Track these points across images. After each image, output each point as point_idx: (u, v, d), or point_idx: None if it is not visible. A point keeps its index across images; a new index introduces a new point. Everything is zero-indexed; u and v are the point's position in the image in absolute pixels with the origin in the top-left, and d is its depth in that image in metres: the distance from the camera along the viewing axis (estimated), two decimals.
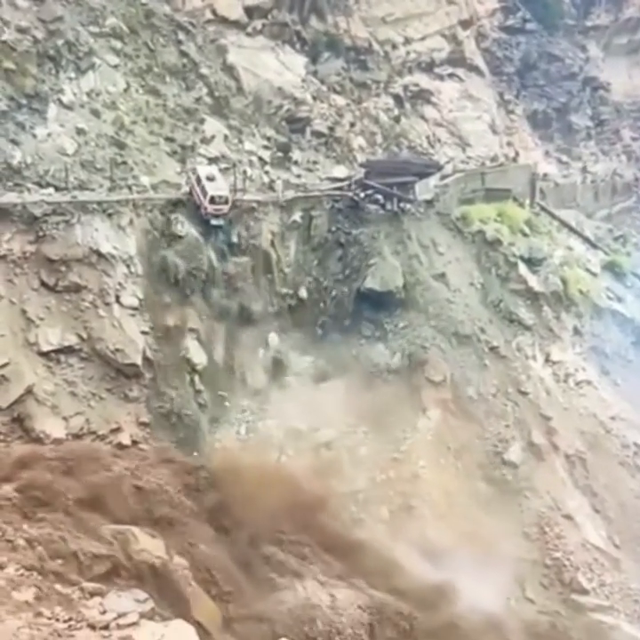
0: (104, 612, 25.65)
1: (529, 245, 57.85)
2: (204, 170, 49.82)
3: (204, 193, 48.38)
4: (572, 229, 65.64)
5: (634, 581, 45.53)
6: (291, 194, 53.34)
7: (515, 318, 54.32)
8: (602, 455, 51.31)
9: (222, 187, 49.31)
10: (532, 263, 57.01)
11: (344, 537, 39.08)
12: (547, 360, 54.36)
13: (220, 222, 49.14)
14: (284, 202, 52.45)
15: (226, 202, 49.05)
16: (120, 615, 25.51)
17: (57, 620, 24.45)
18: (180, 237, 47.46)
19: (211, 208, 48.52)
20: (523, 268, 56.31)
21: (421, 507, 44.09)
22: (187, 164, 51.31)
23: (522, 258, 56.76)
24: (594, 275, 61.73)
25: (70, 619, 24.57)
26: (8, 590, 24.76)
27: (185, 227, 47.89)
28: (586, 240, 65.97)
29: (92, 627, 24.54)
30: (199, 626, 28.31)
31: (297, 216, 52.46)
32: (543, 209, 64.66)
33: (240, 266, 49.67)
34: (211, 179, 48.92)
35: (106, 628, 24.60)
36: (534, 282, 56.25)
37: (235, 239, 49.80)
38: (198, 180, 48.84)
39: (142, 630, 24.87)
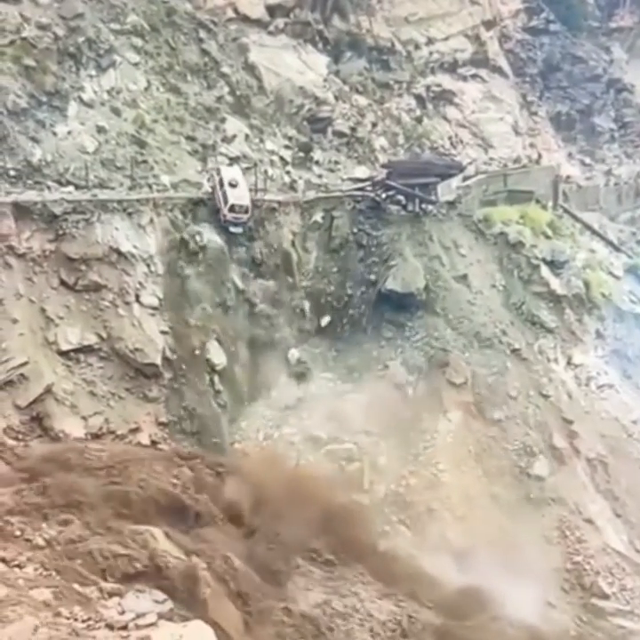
0: (123, 613, 25.54)
1: (551, 248, 57.27)
2: (228, 173, 49.41)
3: (225, 199, 48.08)
4: (594, 232, 65.10)
5: None
6: (312, 194, 53.12)
7: (537, 321, 53.83)
8: (623, 459, 50.81)
9: (244, 195, 48.87)
10: (554, 266, 56.47)
11: (365, 541, 38.76)
12: (568, 363, 53.92)
13: (239, 230, 48.85)
14: (304, 202, 52.16)
15: (246, 211, 48.72)
16: (139, 615, 25.40)
17: (75, 619, 24.35)
18: (202, 249, 47.19)
19: (230, 216, 48.28)
20: (545, 271, 55.80)
21: (441, 510, 43.77)
22: (208, 163, 51.07)
23: (544, 260, 56.21)
24: (616, 278, 61.11)
25: (89, 618, 24.47)
26: (27, 590, 24.66)
27: (206, 235, 47.54)
28: (609, 243, 65.40)
29: (111, 627, 24.43)
30: (218, 627, 28.09)
31: (318, 216, 52.23)
32: (566, 211, 64.13)
33: (265, 289, 49.57)
34: (233, 185, 48.48)
35: (124, 628, 24.48)
36: (556, 284, 55.74)
37: (258, 254, 49.50)
38: (221, 184, 48.52)
39: (161, 631, 24.73)
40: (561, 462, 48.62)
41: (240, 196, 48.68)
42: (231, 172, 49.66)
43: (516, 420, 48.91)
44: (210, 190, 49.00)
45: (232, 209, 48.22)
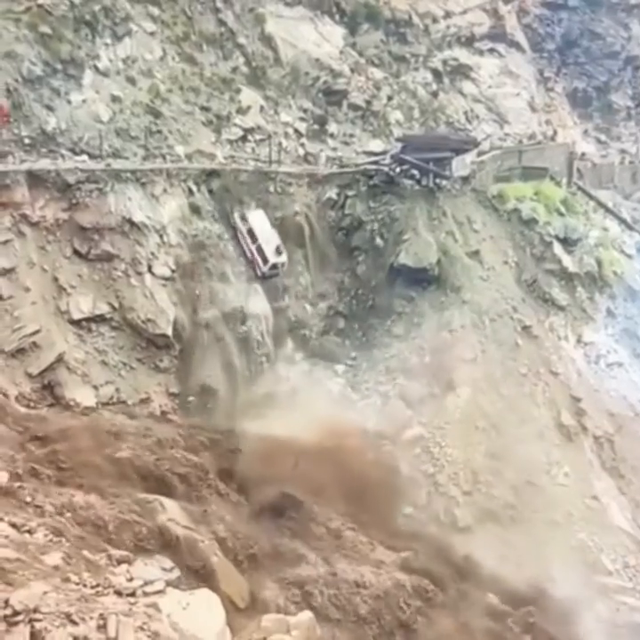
0: (131, 580, 25.74)
1: (565, 225, 57.12)
2: (257, 221, 48.56)
3: (263, 257, 47.85)
4: (608, 210, 64.81)
5: None
6: (327, 168, 52.99)
7: (548, 298, 53.86)
8: (630, 437, 50.94)
9: (281, 248, 48.75)
10: (567, 243, 56.40)
11: (380, 512, 38.96)
12: (579, 341, 53.96)
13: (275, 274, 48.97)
14: (322, 176, 51.94)
15: (283, 265, 48.86)
16: (146, 583, 25.59)
17: (84, 585, 24.54)
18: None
19: (268, 271, 48.30)
20: (558, 248, 55.73)
21: (448, 485, 43.97)
22: (222, 134, 51.01)
23: (557, 237, 56.14)
24: (629, 256, 60.97)
25: (97, 585, 24.65)
26: (37, 555, 24.87)
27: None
28: (622, 221, 65.11)
29: (119, 593, 24.61)
30: (225, 596, 28.38)
31: (333, 193, 52.24)
32: (580, 189, 63.84)
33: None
34: (268, 241, 48.06)
35: (132, 594, 24.65)
36: (569, 262, 55.66)
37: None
38: (251, 234, 47.99)
39: (168, 598, 24.92)
40: (568, 439, 48.67)
41: (279, 252, 48.62)
42: (260, 221, 48.71)
43: (524, 397, 48.91)
44: (235, 233, 48.41)
45: (274, 267, 48.45)
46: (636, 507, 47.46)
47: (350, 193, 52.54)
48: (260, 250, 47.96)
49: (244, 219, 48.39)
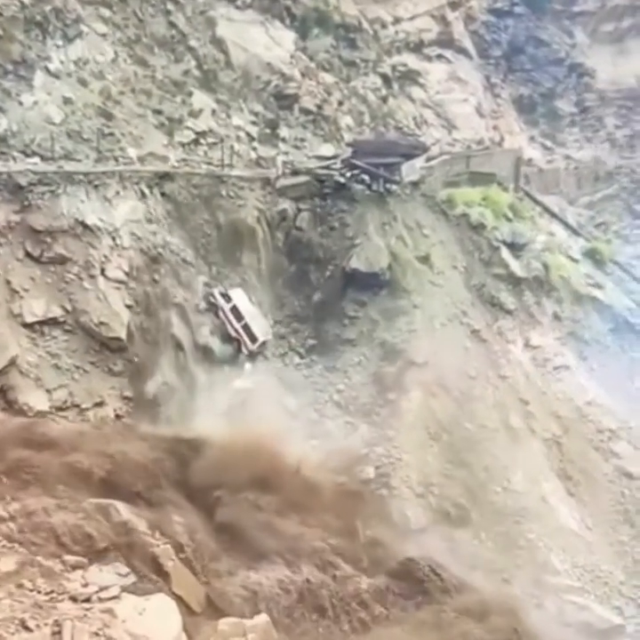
0: (86, 585, 25.75)
1: (512, 230, 57.67)
2: (240, 299, 48.36)
3: (249, 333, 47.76)
4: (554, 215, 65.72)
5: (605, 563, 45.97)
6: (279, 172, 53.13)
7: (496, 302, 54.35)
8: (577, 440, 51.62)
9: (266, 327, 48.92)
10: (514, 248, 56.96)
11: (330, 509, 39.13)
12: (526, 345, 54.52)
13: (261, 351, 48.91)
14: (276, 188, 52.17)
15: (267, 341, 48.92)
16: (102, 588, 25.63)
17: (39, 591, 24.51)
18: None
19: (254, 347, 48.22)
20: (505, 253, 56.28)
21: (401, 487, 44.33)
22: (174, 137, 50.97)
23: (505, 242, 56.65)
24: (575, 261, 61.79)
25: (52, 591, 24.64)
26: None
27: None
28: (568, 226, 66.02)
29: (74, 599, 24.62)
30: (181, 600, 28.45)
31: (286, 204, 52.17)
32: (527, 194, 64.70)
33: None
34: (254, 319, 48.14)
35: (87, 600, 24.69)
36: (516, 267, 56.26)
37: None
38: (235, 311, 47.70)
39: (124, 604, 25.00)
40: (516, 442, 49.26)
41: (266, 330, 48.79)
42: (242, 299, 48.55)
43: (474, 400, 49.45)
44: (208, 306, 48.11)
45: (263, 344, 48.43)
46: (584, 508, 48.18)
47: (303, 206, 52.56)
48: (246, 328, 47.78)
49: (225, 296, 48.09)
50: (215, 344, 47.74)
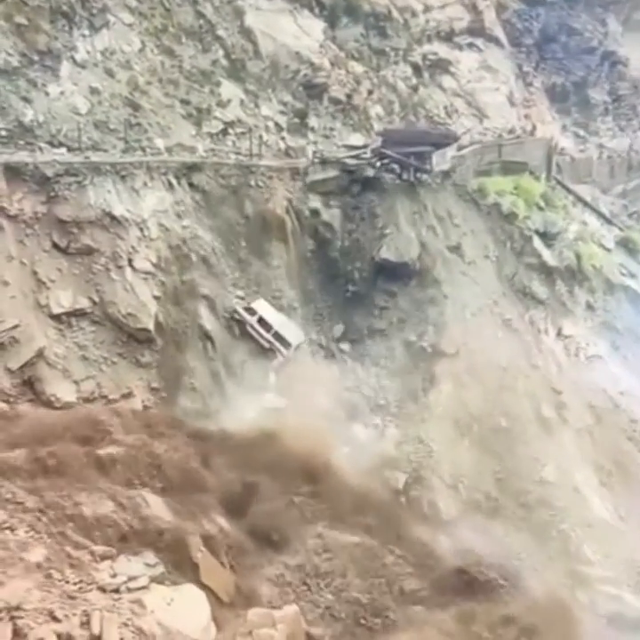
0: (114, 576, 25.74)
1: (544, 219, 57.19)
2: (265, 309, 47.52)
3: (281, 340, 46.92)
4: (587, 204, 65.07)
5: (637, 553, 45.51)
6: (307, 161, 52.86)
7: (528, 292, 53.91)
8: (610, 429, 51.14)
9: (296, 329, 48.24)
10: (546, 237, 56.46)
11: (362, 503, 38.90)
12: (558, 334, 54.11)
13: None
14: (308, 181, 51.90)
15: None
16: (130, 579, 25.62)
17: (67, 582, 24.50)
18: None
19: (289, 353, 47.37)
20: (537, 242, 55.79)
21: (431, 478, 44.04)
22: (202, 127, 50.73)
23: (537, 232, 56.16)
24: (607, 250, 61.22)
25: (80, 581, 24.62)
26: (19, 552, 24.70)
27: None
28: (600, 215, 65.41)
29: (103, 589, 24.58)
30: (209, 591, 28.35)
31: (316, 200, 51.80)
32: (559, 183, 64.06)
33: None
34: (283, 325, 47.38)
35: (116, 591, 24.66)
36: (548, 256, 55.75)
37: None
38: (262, 322, 46.81)
39: (152, 594, 24.99)
40: (549, 432, 48.83)
41: (297, 334, 48.08)
42: (266, 309, 47.67)
43: (505, 390, 49.02)
44: (240, 318, 47.15)
45: (297, 348, 47.74)
46: (617, 498, 47.69)
47: (333, 200, 52.20)
48: (277, 336, 46.93)
49: (249, 310, 47.21)
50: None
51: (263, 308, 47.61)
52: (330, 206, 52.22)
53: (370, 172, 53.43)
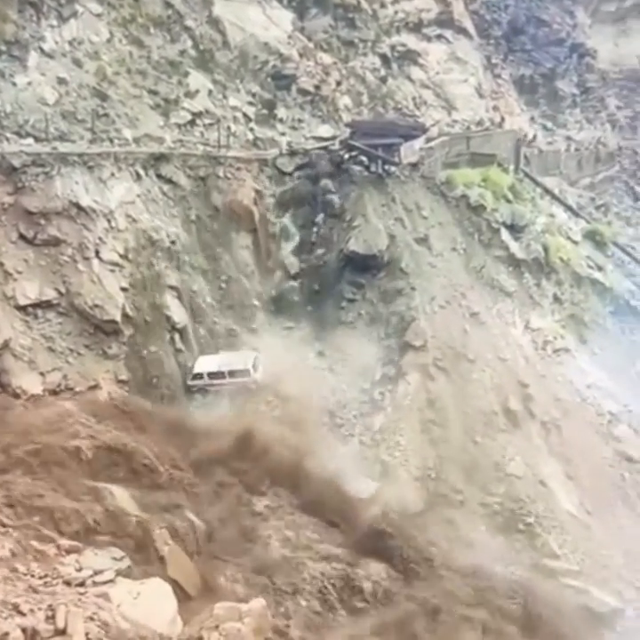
0: (80, 570, 25.76)
1: (512, 212, 57.25)
2: (208, 364, 45.47)
3: (240, 372, 44.90)
4: (554, 197, 65.36)
5: (603, 547, 45.76)
6: (276, 152, 52.87)
7: (496, 285, 53.91)
8: (577, 423, 51.29)
9: (250, 356, 46.09)
10: (514, 230, 56.55)
11: (328, 495, 39.02)
12: (526, 327, 54.15)
13: None
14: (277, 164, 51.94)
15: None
16: (96, 572, 25.65)
17: (33, 576, 24.53)
18: None
19: (256, 377, 45.46)
20: (505, 235, 55.88)
21: (399, 470, 44.17)
22: (170, 117, 50.56)
23: (504, 224, 56.22)
24: (575, 243, 61.42)
25: (46, 575, 24.66)
26: None
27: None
28: (568, 208, 65.68)
29: (68, 583, 24.63)
30: (176, 584, 28.36)
31: (284, 187, 51.99)
32: (527, 175, 64.28)
33: None
34: (230, 362, 45.48)
35: (82, 584, 24.70)
36: (516, 248, 55.87)
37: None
38: (214, 375, 44.76)
39: (118, 588, 24.99)
40: (515, 425, 48.97)
41: (248, 357, 45.95)
42: (209, 362, 45.62)
43: (472, 383, 49.19)
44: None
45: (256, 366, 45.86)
46: (584, 491, 47.94)
47: (302, 187, 52.28)
48: (234, 374, 45.01)
49: (197, 375, 45.04)
50: None
51: (204, 363, 45.60)
52: (298, 193, 52.21)
53: (338, 163, 53.41)
